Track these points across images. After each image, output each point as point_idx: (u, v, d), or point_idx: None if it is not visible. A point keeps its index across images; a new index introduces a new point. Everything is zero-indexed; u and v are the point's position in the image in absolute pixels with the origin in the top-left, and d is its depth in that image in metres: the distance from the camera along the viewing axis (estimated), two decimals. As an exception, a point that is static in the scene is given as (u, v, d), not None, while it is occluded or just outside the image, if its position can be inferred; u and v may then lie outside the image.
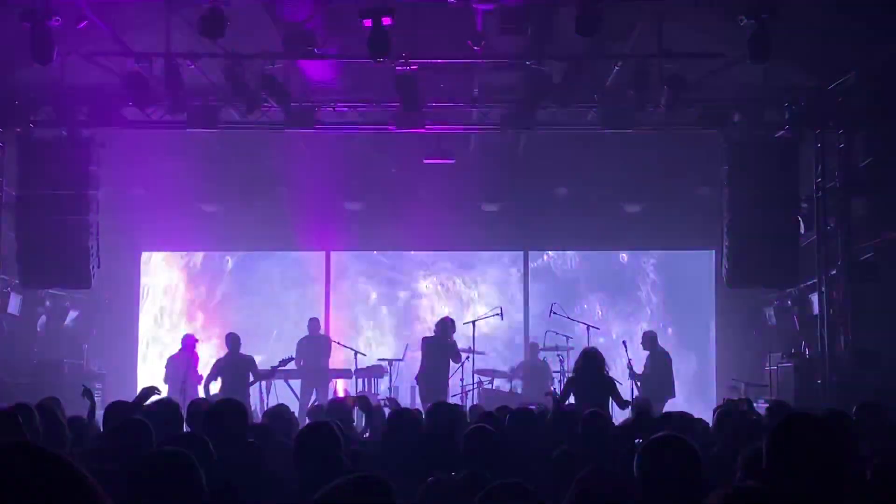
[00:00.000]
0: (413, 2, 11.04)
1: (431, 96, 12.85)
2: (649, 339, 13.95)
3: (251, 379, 12.95)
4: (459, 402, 12.55)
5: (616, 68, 12.29)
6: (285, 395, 13.67)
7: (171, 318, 17.46)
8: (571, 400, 9.70)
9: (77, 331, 15.65)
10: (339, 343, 14.83)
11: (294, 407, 11.58)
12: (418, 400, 13.07)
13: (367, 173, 15.94)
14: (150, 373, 15.41)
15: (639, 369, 13.44)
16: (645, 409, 8.32)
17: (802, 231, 13.80)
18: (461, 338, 13.63)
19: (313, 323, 15.08)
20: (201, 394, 12.65)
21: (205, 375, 13.23)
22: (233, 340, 13.22)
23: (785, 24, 10.40)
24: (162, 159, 14.90)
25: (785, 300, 14.73)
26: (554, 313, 14.19)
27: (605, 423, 6.67)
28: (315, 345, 14.77)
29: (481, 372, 14.28)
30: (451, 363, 13.03)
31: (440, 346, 12.98)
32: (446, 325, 13.23)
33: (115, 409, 6.49)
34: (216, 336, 15.95)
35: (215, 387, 12.77)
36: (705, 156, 14.37)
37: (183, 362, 13.80)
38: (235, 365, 12.89)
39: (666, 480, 3.76)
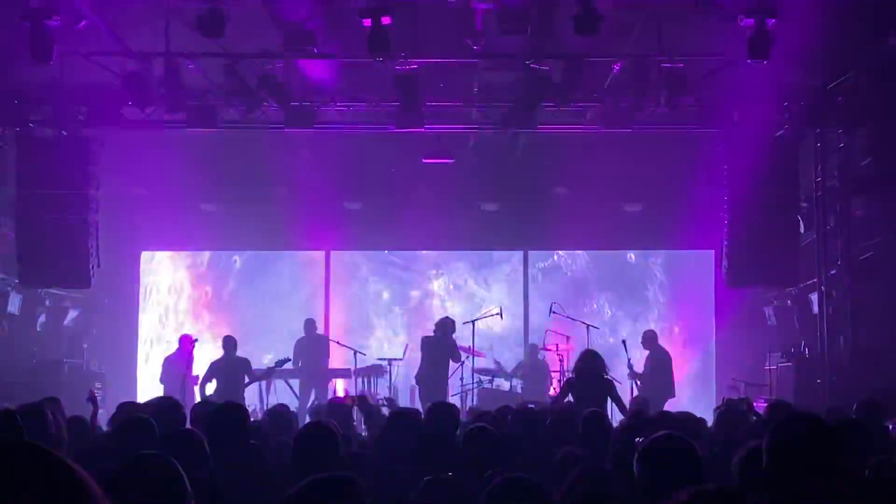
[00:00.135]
0: (413, 1, 11.04)
1: (431, 96, 12.85)
2: (649, 339, 13.91)
3: (246, 381, 12.95)
4: (459, 403, 12.56)
5: (616, 68, 12.30)
6: (285, 395, 13.69)
7: (175, 317, 17.43)
8: (570, 400, 9.69)
9: (77, 330, 15.63)
10: (338, 343, 14.84)
11: (294, 407, 11.60)
12: (418, 400, 13.07)
13: (367, 173, 15.90)
14: (151, 373, 15.39)
15: (639, 369, 13.45)
16: (642, 409, 8.31)
17: (802, 231, 13.80)
18: (469, 338, 13.64)
19: (309, 324, 15.11)
20: (197, 395, 12.65)
21: (200, 377, 13.23)
22: (229, 342, 13.23)
23: (785, 24, 10.39)
24: (162, 159, 14.88)
25: (785, 300, 14.72)
26: (553, 312, 14.19)
27: (605, 422, 6.67)
28: (313, 345, 14.79)
29: (481, 371, 14.28)
30: (451, 363, 13.04)
31: (440, 345, 12.99)
32: (446, 325, 13.24)
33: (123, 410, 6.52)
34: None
35: (210, 388, 12.78)
36: (705, 156, 14.37)
37: (181, 363, 13.79)
38: (230, 367, 12.88)
39: (665, 480, 3.75)
